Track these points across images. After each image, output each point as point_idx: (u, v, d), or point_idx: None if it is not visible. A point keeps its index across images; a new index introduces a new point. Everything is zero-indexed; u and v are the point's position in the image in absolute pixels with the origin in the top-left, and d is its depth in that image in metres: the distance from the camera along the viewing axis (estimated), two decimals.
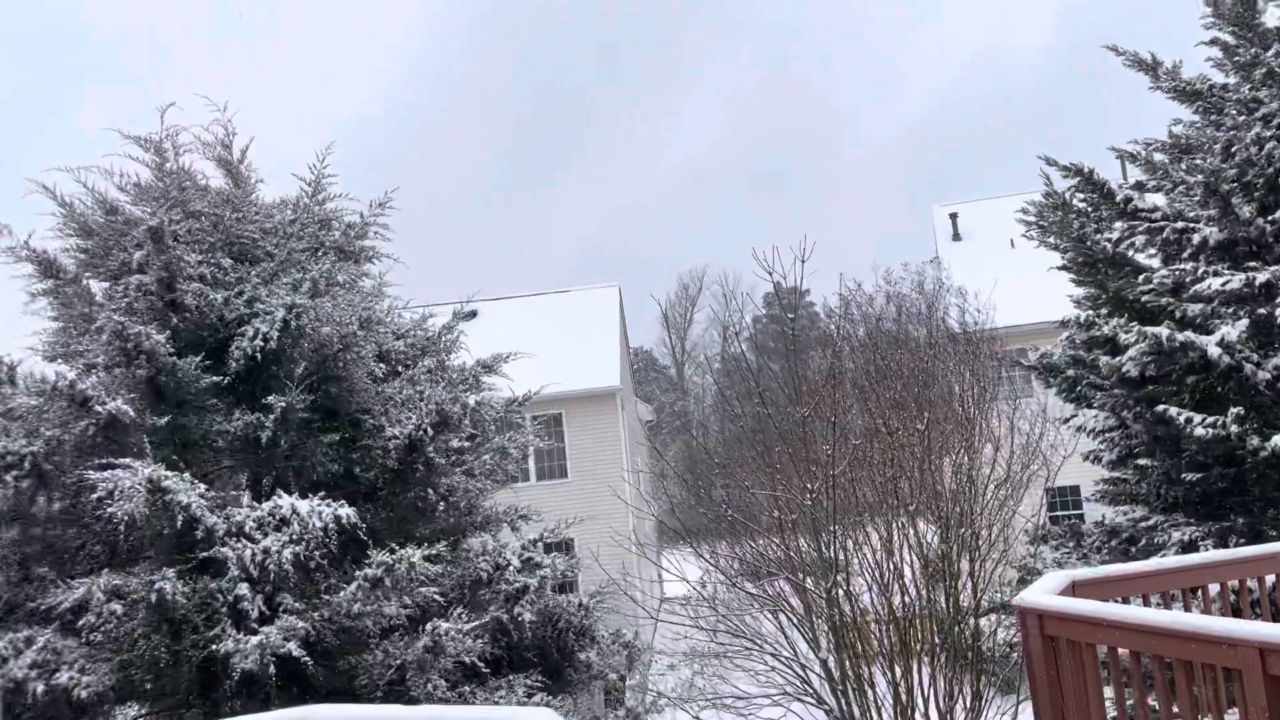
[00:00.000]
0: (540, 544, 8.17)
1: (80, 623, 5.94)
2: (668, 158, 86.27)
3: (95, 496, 6.08)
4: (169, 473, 6.23)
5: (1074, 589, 5.22)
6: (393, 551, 6.44)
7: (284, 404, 7.13)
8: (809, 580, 9.71)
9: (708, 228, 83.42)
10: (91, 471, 6.16)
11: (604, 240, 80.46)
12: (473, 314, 10.53)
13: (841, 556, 9.56)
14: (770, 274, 9.83)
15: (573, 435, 24.68)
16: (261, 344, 7.29)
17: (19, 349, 7.92)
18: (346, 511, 6.58)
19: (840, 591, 9.33)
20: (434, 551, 6.59)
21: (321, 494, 6.80)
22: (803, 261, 9.45)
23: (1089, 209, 10.62)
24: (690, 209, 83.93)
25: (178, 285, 7.32)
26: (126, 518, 5.90)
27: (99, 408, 6.50)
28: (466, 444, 8.18)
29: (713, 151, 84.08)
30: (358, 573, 6.43)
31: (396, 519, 8.02)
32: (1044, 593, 5.00)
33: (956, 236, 26.89)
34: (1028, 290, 18.00)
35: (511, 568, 7.55)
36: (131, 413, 6.64)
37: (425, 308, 9.80)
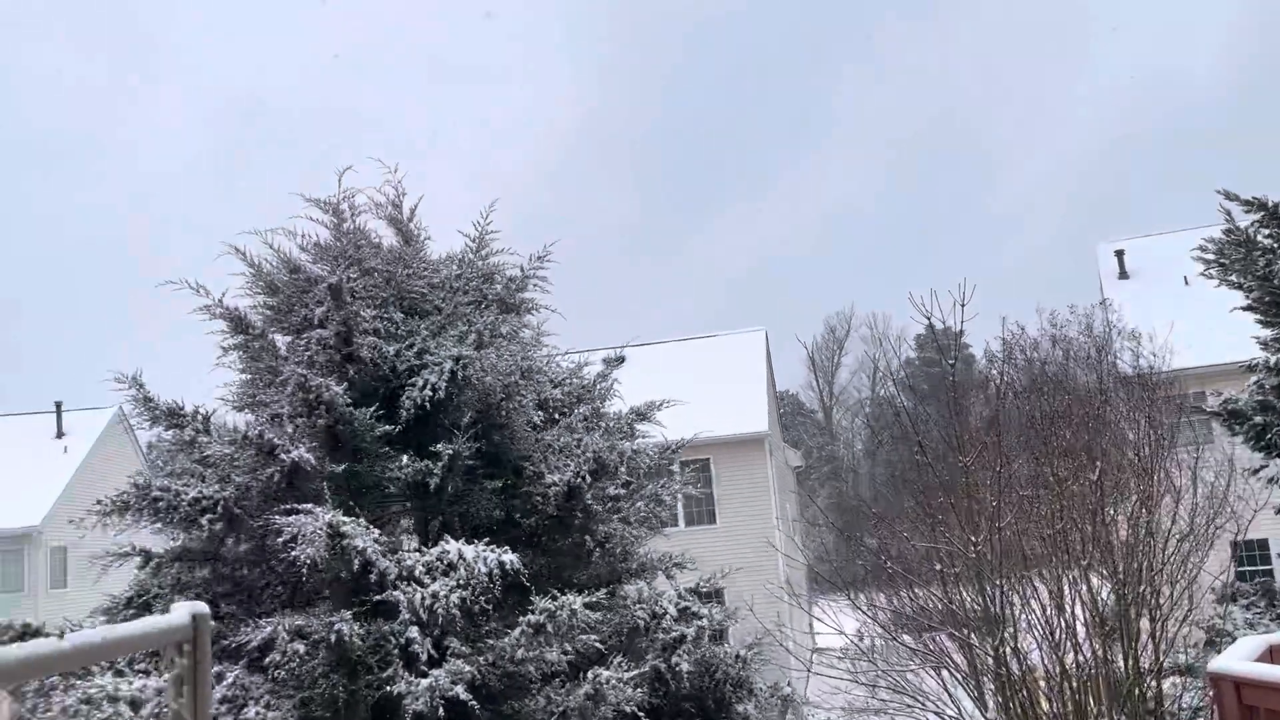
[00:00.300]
0: (696, 593, 8.16)
1: (266, 660, 6.27)
2: (816, 198, 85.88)
3: (281, 540, 6.43)
4: (346, 518, 6.55)
5: (1272, 654, 4.87)
6: (554, 598, 6.56)
7: (451, 451, 7.40)
8: (973, 636, 9.34)
9: (855, 270, 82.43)
10: (277, 516, 6.53)
11: (751, 284, 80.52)
12: (621, 360, 10.70)
13: (1008, 611, 9.16)
14: (928, 318, 9.62)
15: (721, 481, 24.59)
16: (430, 394, 7.61)
17: (212, 400, 8.52)
18: (510, 557, 6.75)
19: (1008, 649, 8.93)
20: (594, 599, 6.67)
21: (486, 539, 7.01)
22: (962, 305, 9.21)
23: (1275, 245, 9.98)
24: (838, 250, 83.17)
25: (354, 339, 7.74)
26: (309, 561, 6.23)
27: (284, 456, 6.91)
28: (622, 491, 8.28)
29: (861, 191, 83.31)
30: (521, 618, 6.57)
31: (554, 565, 8.17)
32: (1240, 658, 4.68)
33: (1123, 274, 25.68)
34: (1204, 330, 16.99)
35: (668, 616, 7.57)
36: (313, 460, 7.03)
37: (578, 353, 10.04)
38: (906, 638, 10.44)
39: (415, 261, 8.73)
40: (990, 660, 8.98)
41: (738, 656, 8.21)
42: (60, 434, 33.56)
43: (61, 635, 2.22)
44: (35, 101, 78.37)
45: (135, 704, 5.88)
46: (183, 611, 2.73)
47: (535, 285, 9.23)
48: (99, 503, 7.16)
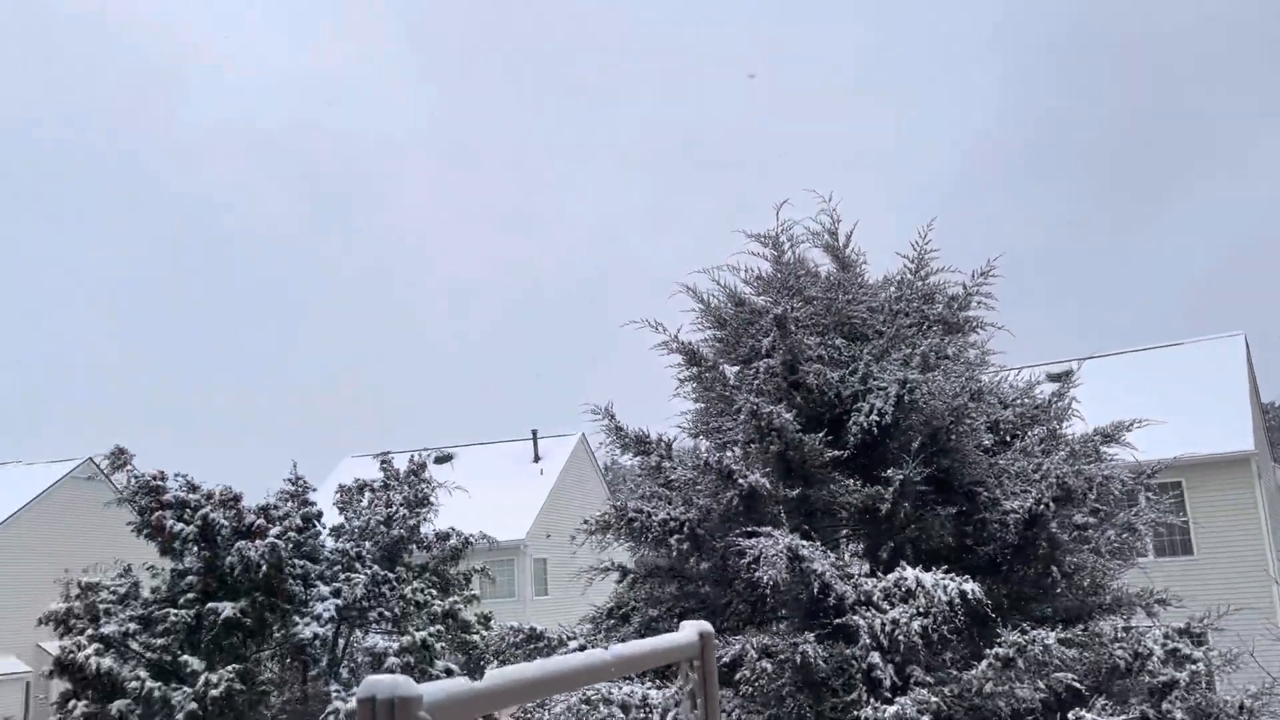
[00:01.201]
0: (1188, 633, 7.30)
1: (736, 676, 6.59)
2: None
3: (744, 561, 6.75)
4: (804, 542, 6.72)
5: None
6: (1023, 631, 6.22)
7: (902, 476, 7.33)
8: None
9: None
10: (740, 539, 6.86)
11: (1218, 282, 70.90)
12: (1068, 374, 9.91)
13: None
14: None
15: (1197, 506, 21.82)
16: (877, 419, 7.60)
17: (671, 428, 9.20)
18: (970, 586, 6.51)
19: None
20: (1069, 635, 6.22)
21: (944, 567, 6.82)
22: None
23: None
24: None
25: (800, 367, 7.95)
26: (771, 582, 6.46)
27: (741, 480, 7.26)
28: (1091, 519, 7.66)
29: None
30: (987, 651, 6.30)
31: (1015, 595, 7.74)
32: None
33: None
34: None
35: (1154, 658, 6.84)
36: (767, 485, 7.31)
37: (1028, 368, 9.46)
38: None
39: (854, 287, 8.79)
40: None
41: (1241, 707, 7.20)
42: (536, 458, 38.06)
43: (560, 642, 2.51)
44: (499, 178, 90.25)
45: (652, 708, 6.45)
46: (690, 630, 2.98)
47: (979, 303, 8.88)
48: (585, 522, 8.00)
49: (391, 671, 10.83)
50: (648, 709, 6.56)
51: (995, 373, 9.15)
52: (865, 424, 7.67)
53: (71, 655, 9.98)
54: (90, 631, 10.28)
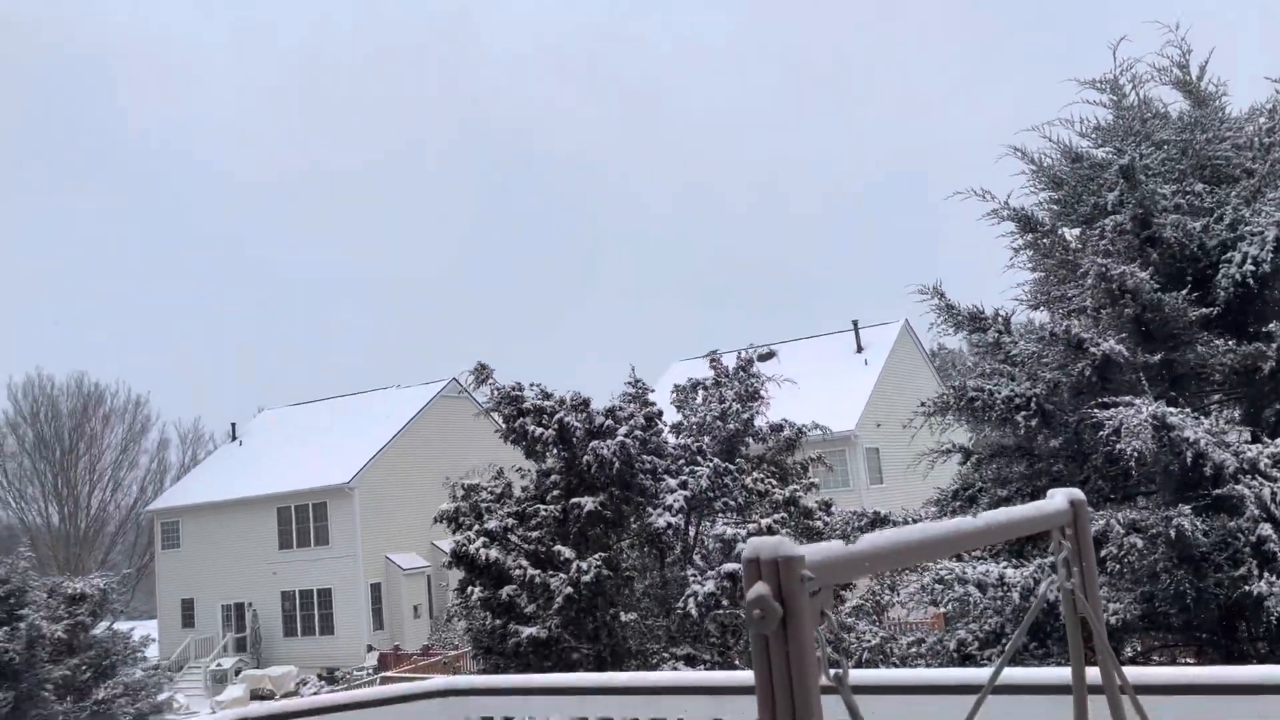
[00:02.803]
0: None
1: (1101, 554, 6.26)
2: None
3: (1101, 434, 6.33)
4: (1171, 409, 6.18)
5: None
6: None
7: None
8: None
9: None
10: (1096, 410, 6.44)
11: None
12: None
13: None
14: None
15: None
16: (1252, 269, 6.77)
17: (1005, 301, 8.72)
18: None
19: None
20: None
21: None
22: None
23: None
24: None
25: (1153, 220, 7.22)
26: (1135, 454, 6.03)
27: (1093, 349, 6.77)
28: None
29: None
30: None
31: None
32: None
33: None
34: None
35: None
36: (1124, 351, 6.77)
37: None
38: None
39: (1213, 123, 7.78)
40: None
41: None
42: (859, 349, 37.62)
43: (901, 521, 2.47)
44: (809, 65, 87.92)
45: (1023, 591, 6.34)
46: (1061, 498, 2.87)
47: None
48: (922, 404, 7.85)
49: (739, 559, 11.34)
50: (1005, 587, 6.41)
51: None
52: (1237, 276, 6.86)
53: (464, 548, 11.37)
54: (476, 527, 11.65)
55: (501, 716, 4.76)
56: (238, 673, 33.43)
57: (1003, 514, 2.69)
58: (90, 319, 75.08)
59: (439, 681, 4.87)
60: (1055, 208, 8.37)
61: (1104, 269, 6.97)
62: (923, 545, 2.14)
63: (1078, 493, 2.86)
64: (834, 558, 1.69)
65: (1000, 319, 8.15)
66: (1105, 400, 6.61)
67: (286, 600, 36.71)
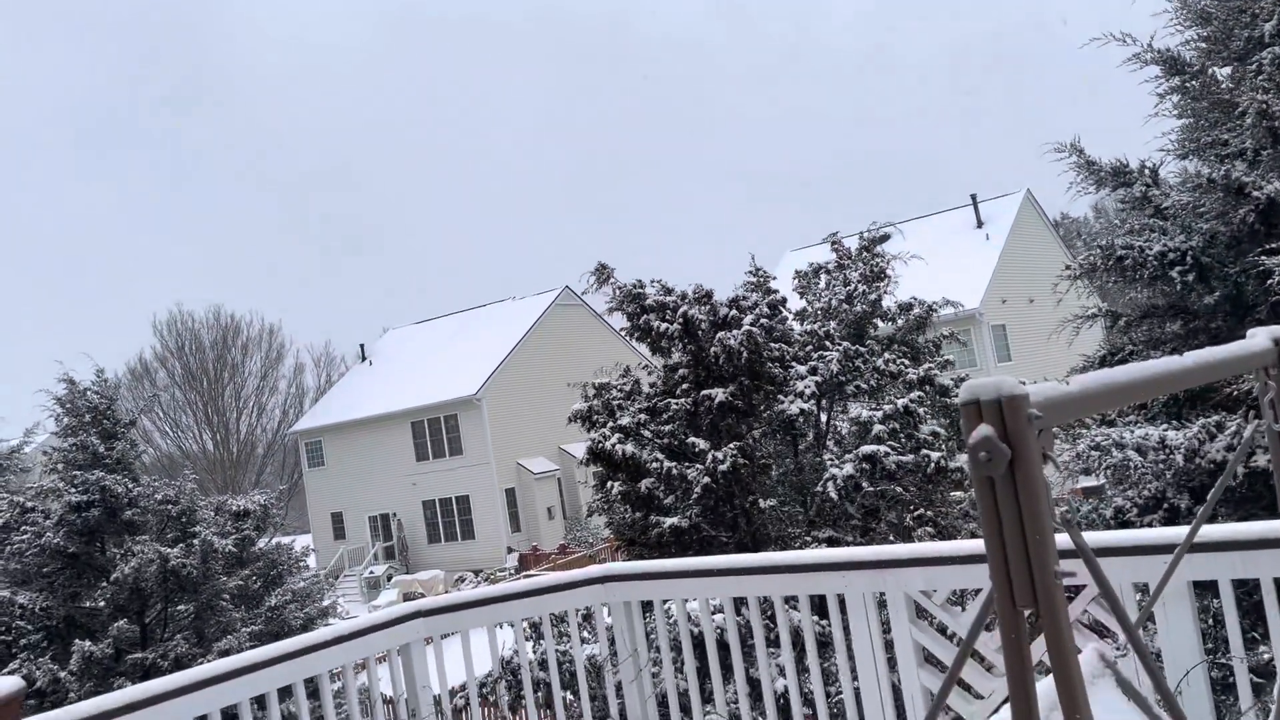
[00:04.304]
0: None
1: None
2: None
3: (1270, 283, 5.94)
4: None
5: None
6: None
7: None
8: None
9: None
10: (1263, 258, 6.03)
11: None
12: None
13: None
14: None
15: None
16: None
17: (1150, 151, 8.18)
18: None
19: None
20: None
21: None
22: None
23: None
24: None
25: None
26: None
27: (1256, 193, 6.32)
28: None
29: None
30: None
31: None
32: None
33: None
34: None
35: None
36: None
37: None
38: None
39: None
40: None
41: None
42: (979, 224, 36.27)
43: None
44: None
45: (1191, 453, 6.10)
46: (1263, 336, 2.68)
47: None
48: (1067, 268, 7.51)
49: (879, 440, 11.23)
50: (1166, 449, 6.15)
51: None
52: None
53: (600, 444, 11.58)
54: (610, 424, 11.82)
55: (661, 599, 4.85)
56: (389, 579, 35.39)
57: (1206, 353, 2.54)
58: (218, 252, 78.40)
59: (598, 569, 4.99)
60: (1203, 45, 7.75)
61: (1264, 105, 6.45)
62: (1134, 385, 2.03)
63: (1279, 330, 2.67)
64: (1059, 397, 1.60)
65: (1148, 171, 7.67)
66: (1273, 247, 6.19)
67: (428, 509, 38.45)
